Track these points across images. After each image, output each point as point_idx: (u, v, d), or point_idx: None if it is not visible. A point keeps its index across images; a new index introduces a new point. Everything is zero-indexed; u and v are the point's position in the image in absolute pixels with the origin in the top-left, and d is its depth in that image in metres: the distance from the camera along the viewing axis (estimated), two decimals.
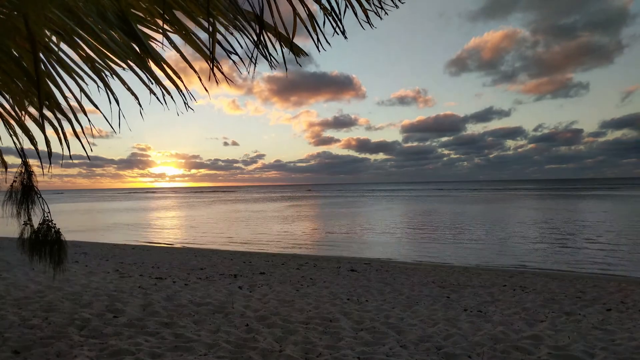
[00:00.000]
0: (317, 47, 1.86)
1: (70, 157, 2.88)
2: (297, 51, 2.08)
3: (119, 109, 2.73)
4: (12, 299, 5.43)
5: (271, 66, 1.93)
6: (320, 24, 1.84)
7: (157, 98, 2.54)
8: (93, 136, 2.96)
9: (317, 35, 1.85)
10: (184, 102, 2.48)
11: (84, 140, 2.80)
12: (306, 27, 1.83)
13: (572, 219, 22.89)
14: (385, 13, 1.97)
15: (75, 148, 2.90)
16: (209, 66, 2.00)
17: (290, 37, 1.84)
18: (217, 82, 2.11)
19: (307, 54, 2.14)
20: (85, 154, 2.84)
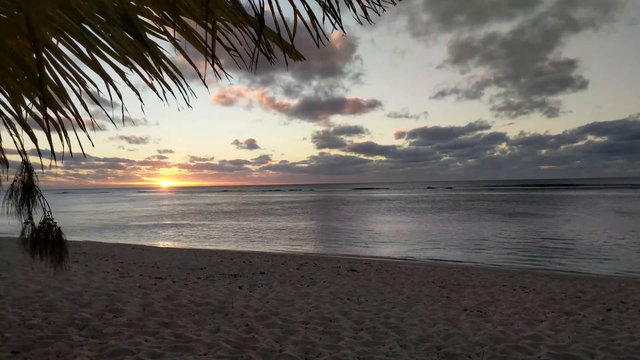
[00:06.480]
0: (317, 44, 1.87)
1: (72, 154, 2.89)
2: (297, 56, 2.08)
3: (122, 103, 2.75)
4: (12, 299, 5.42)
5: (271, 63, 1.94)
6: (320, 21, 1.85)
7: (157, 94, 2.55)
8: (95, 133, 2.96)
9: (317, 32, 1.86)
10: (185, 99, 2.50)
11: (83, 138, 2.80)
12: (306, 25, 1.84)
13: (568, 218, 22.90)
14: (384, 10, 1.98)
15: (84, 149, 2.90)
16: (209, 63, 2.02)
17: (292, 35, 1.85)
18: (218, 76, 2.12)
19: (304, 59, 2.14)
20: (85, 154, 2.84)
